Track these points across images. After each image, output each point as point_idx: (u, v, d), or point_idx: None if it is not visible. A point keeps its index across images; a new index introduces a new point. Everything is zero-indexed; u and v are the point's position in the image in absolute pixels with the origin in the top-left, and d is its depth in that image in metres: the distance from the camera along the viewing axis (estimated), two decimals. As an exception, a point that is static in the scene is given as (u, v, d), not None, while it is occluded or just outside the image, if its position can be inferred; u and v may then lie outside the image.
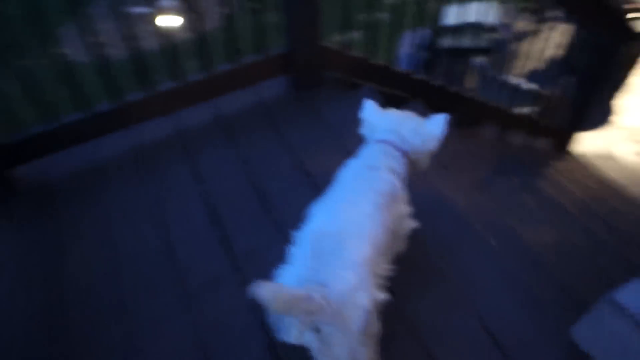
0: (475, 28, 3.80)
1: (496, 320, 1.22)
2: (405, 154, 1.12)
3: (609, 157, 3.69)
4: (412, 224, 1.18)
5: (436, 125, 1.12)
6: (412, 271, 1.22)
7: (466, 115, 2.22)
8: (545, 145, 2.86)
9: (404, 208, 1.13)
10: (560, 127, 2.81)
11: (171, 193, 1.58)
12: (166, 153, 1.73)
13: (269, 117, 1.89)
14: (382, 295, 0.92)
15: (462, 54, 3.86)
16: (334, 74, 1.99)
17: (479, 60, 3.61)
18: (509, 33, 4.00)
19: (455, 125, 1.29)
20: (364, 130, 1.20)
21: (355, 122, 1.20)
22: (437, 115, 1.13)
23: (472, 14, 3.23)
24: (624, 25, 2.24)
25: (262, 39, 1.86)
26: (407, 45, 3.80)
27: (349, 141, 1.65)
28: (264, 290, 0.71)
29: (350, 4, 1.92)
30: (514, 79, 3.53)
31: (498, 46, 4.07)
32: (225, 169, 1.66)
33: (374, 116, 1.17)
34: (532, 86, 3.54)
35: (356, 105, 1.20)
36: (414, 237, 1.21)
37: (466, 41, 3.68)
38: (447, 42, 3.77)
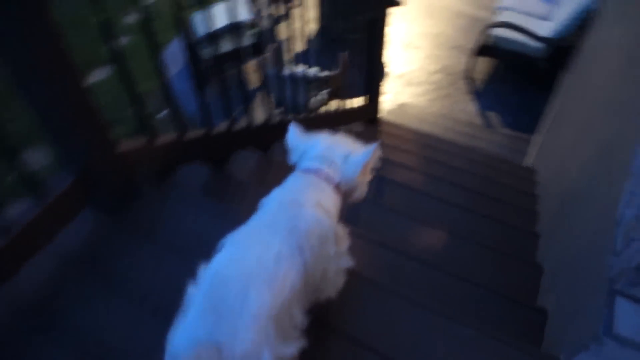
0: (235, 28, 3.48)
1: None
2: (336, 185, 1.01)
3: (403, 107, 4.05)
4: (346, 263, 1.05)
5: (368, 152, 1.01)
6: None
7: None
8: (360, 127, 2.89)
9: (334, 248, 0.98)
10: (362, 104, 2.86)
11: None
12: None
13: (91, 271, 1.23)
14: (293, 349, 0.81)
15: (232, 59, 3.55)
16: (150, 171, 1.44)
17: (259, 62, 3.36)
18: (269, 20, 3.84)
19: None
20: (293, 157, 1.09)
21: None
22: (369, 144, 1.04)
23: (224, 15, 2.86)
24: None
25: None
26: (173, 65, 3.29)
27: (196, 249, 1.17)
28: None
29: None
30: (299, 69, 3.43)
31: (265, 38, 3.88)
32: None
33: (300, 141, 1.07)
34: (315, 70, 3.52)
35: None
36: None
37: (231, 44, 3.36)
38: (211, 51, 3.38)
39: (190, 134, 1.57)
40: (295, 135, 1.08)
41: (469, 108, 4.30)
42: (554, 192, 2.11)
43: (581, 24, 3.68)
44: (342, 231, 1.04)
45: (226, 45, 3.55)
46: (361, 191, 1.08)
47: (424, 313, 1.15)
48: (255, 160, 1.89)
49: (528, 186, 2.54)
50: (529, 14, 4.42)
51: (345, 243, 1.05)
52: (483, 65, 4.77)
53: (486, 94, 4.47)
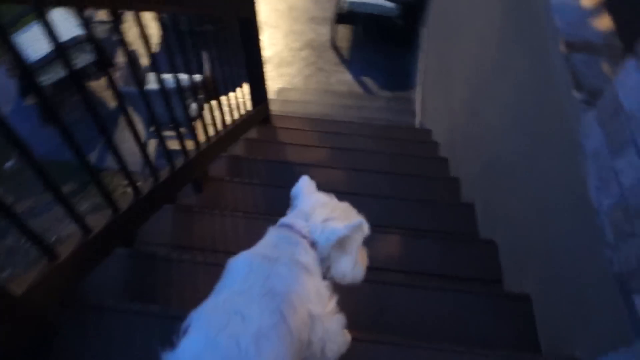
0: (75, 44, 2.92)
1: None
2: (312, 243, 0.87)
3: (282, 93, 3.82)
4: (337, 324, 0.90)
5: (349, 226, 0.86)
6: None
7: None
8: (254, 132, 2.61)
9: (319, 309, 0.84)
10: (252, 109, 2.57)
11: None
12: None
13: None
14: None
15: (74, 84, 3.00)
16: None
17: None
18: (106, 28, 3.27)
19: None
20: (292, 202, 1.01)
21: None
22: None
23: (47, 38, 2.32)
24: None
25: None
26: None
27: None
28: None
29: None
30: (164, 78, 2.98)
31: (109, 47, 3.31)
32: None
33: (299, 197, 0.98)
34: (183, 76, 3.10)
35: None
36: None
37: (76, 62, 2.79)
38: (51, 76, 2.79)
39: (95, 223, 1.10)
40: (299, 190, 0.99)
41: (344, 77, 4.27)
42: (463, 155, 2.16)
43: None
44: (325, 290, 0.88)
45: (59, 72, 2.89)
46: (351, 272, 0.91)
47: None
48: (172, 217, 1.50)
49: (433, 150, 2.58)
50: (373, -26, 4.48)
51: (331, 303, 0.89)
52: (344, 32, 4.76)
53: (355, 60, 4.48)
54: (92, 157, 3.46)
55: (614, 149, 0.86)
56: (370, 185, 2.05)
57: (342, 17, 4.33)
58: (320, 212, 0.91)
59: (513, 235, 1.48)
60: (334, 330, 0.89)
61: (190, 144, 1.61)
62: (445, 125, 2.59)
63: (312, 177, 1.02)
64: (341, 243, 0.87)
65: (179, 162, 1.53)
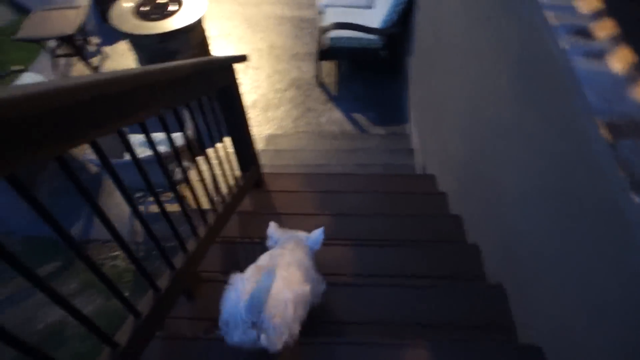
0: None
1: None
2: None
3: (272, 140, 3.66)
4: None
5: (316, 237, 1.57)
6: None
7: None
8: (247, 202, 2.43)
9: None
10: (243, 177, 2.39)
11: None
12: None
13: None
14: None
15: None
16: None
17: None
18: None
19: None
20: (269, 243, 1.58)
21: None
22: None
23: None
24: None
25: None
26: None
27: None
28: None
29: None
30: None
31: None
32: None
33: (277, 234, 1.58)
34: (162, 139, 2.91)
35: None
36: None
37: None
38: None
39: None
40: (273, 230, 1.60)
41: (334, 116, 4.12)
42: (476, 217, 1.98)
43: (404, 9, 3.71)
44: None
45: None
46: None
47: None
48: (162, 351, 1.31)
49: (441, 204, 2.41)
50: (352, 6, 4.36)
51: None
52: (329, 67, 4.63)
53: (343, 96, 4.34)
54: (77, 228, 3.26)
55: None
56: (381, 264, 1.87)
57: (325, 53, 4.20)
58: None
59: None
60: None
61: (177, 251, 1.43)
62: (448, 172, 2.43)
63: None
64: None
65: (164, 282, 1.34)
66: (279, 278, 1.18)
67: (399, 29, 3.87)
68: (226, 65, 2.03)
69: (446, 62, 2.38)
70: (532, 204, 1.37)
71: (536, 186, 1.34)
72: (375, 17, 4.12)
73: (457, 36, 2.13)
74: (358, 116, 4.10)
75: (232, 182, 2.19)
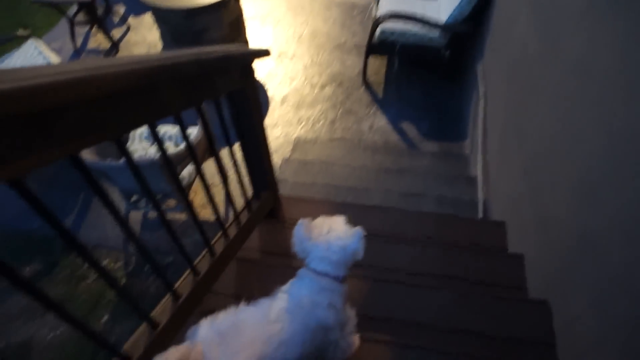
0: None
1: None
2: (343, 278, 1.15)
3: (300, 146, 3.08)
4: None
5: (355, 240, 1.14)
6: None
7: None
8: (256, 237, 1.86)
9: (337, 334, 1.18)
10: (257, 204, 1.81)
11: None
12: None
13: None
14: None
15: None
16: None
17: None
18: None
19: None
20: (300, 254, 1.20)
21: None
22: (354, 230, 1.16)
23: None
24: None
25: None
26: None
27: None
28: None
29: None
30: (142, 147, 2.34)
31: None
32: None
33: (305, 240, 1.17)
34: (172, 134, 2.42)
35: None
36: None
37: None
38: None
39: None
40: (300, 234, 1.17)
41: (378, 123, 3.47)
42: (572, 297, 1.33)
43: (479, 3, 2.99)
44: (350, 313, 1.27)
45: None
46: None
47: None
48: None
49: (515, 273, 1.75)
50: (413, -5, 3.67)
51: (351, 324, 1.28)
52: (375, 64, 3.97)
53: (390, 100, 3.68)
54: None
55: None
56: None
57: (376, 47, 3.54)
58: (335, 249, 1.13)
59: None
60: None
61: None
62: (533, 231, 1.77)
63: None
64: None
65: None
66: None
67: (469, 27, 3.16)
68: (243, 62, 1.41)
69: (565, 85, 1.70)
70: None
71: None
72: (442, 9, 3.42)
73: (598, 50, 1.44)
74: (407, 125, 3.44)
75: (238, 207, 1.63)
